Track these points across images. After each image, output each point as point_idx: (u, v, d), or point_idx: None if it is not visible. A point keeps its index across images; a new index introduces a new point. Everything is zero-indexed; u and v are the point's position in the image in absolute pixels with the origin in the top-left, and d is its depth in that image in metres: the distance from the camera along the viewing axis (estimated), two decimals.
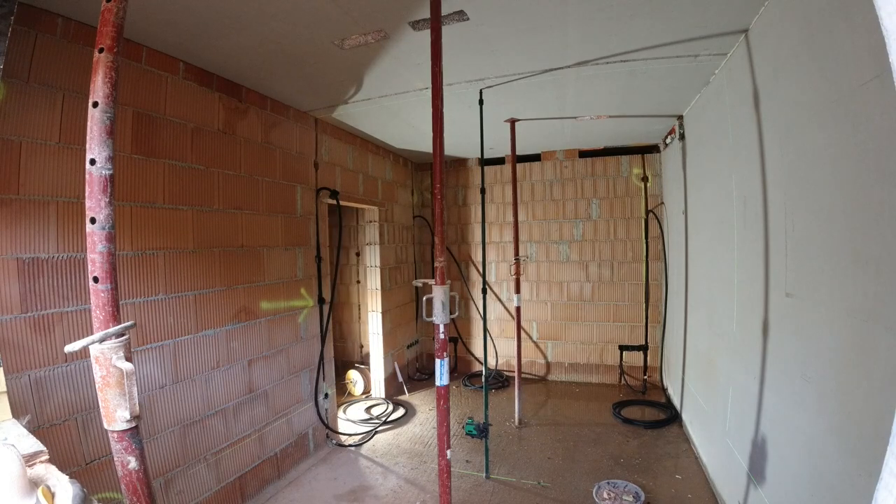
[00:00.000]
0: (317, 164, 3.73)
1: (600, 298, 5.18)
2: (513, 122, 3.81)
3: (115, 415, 0.88)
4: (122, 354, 0.89)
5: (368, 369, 4.94)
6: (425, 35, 2.19)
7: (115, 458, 0.92)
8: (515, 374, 4.01)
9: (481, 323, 5.59)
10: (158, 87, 2.39)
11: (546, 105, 3.55)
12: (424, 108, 3.44)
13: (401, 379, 5.03)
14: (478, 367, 5.62)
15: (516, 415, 4.02)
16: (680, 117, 3.87)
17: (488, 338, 5.53)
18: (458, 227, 5.79)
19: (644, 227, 4.98)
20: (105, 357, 0.87)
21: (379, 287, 4.81)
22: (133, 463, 0.91)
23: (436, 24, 1.81)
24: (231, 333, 2.80)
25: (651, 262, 4.96)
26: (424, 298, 1.97)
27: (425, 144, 4.75)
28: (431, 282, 1.93)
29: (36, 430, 1.75)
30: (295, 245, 3.43)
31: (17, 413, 1.70)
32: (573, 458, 3.40)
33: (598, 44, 2.47)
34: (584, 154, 5.20)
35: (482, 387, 3.46)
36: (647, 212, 4.95)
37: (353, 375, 4.92)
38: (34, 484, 0.97)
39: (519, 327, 4.02)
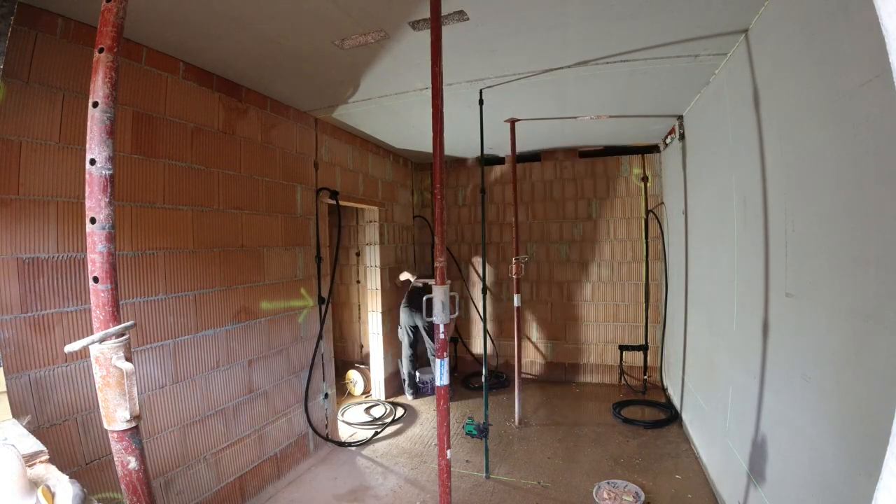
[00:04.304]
0: (317, 164, 3.73)
1: (600, 298, 5.18)
2: (513, 122, 3.81)
3: (115, 415, 0.88)
4: (122, 354, 0.89)
5: (368, 369, 4.94)
6: (425, 35, 2.19)
7: (115, 458, 0.92)
8: (515, 374, 4.01)
9: (481, 323, 5.58)
10: (158, 87, 2.39)
11: (546, 105, 3.55)
12: (424, 108, 3.43)
13: (403, 377, 5.03)
14: (478, 367, 5.62)
15: (516, 415, 4.02)
16: (680, 117, 3.87)
17: (488, 338, 5.53)
18: (458, 227, 5.79)
19: (644, 227, 4.98)
20: (105, 357, 0.87)
21: (379, 287, 4.81)
22: (133, 463, 0.91)
23: (436, 24, 1.81)
24: (231, 333, 2.80)
25: (651, 262, 4.96)
26: (424, 298, 1.97)
27: (425, 144, 4.75)
28: (431, 282, 1.93)
29: (36, 430, 1.75)
30: (295, 245, 3.43)
31: (17, 413, 1.70)
32: (573, 458, 3.40)
33: (598, 44, 2.47)
34: (584, 154, 5.20)
35: (482, 387, 3.47)
36: (647, 212, 4.95)
37: (353, 375, 4.92)
38: (34, 484, 0.97)
39: (519, 327, 4.02)
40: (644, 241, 4.97)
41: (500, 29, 2.27)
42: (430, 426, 4.07)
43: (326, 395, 3.74)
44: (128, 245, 2.21)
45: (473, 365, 5.67)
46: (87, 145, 0.89)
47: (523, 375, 5.19)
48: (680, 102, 3.51)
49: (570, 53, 2.58)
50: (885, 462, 0.54)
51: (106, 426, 0.89)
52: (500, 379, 5.22)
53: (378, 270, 4.81)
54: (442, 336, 1.90)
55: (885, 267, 1.24)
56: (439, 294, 1.88)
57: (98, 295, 0.89)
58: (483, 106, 3.21)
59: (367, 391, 4.88)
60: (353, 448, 3.68)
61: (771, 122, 2.03)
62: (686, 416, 3.75)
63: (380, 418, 4.19)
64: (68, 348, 0.85)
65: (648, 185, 4.94)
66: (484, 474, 3.18)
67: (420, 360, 5.13)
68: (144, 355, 2.27)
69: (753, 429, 2.17)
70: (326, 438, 3.67)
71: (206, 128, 2.67)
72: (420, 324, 4.66)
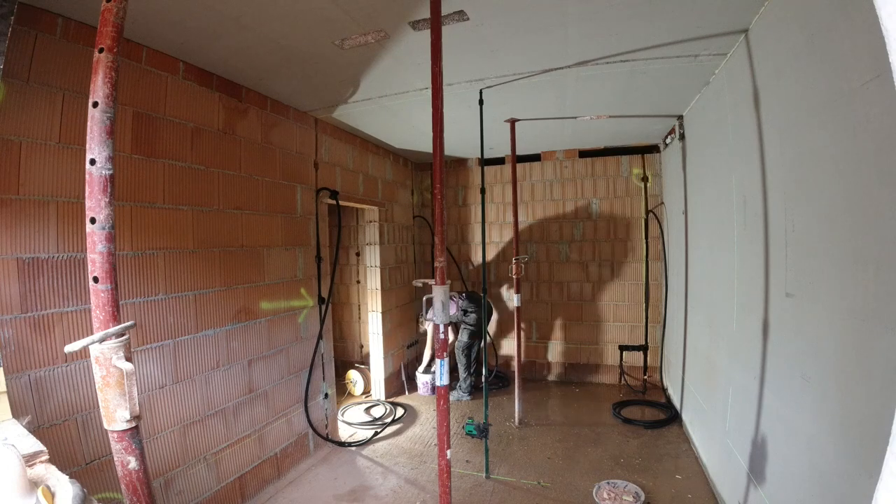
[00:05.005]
0: (317, 164, 3.73)
1: (600, 298, 5.18)
2: (513, 122, 3.81)
3: (115, 415, 0.88)
4: (122, 354, 0.89)
5: (368, 369, 4.94)
6: (425, 35, 2.19)
7: (115, 458, 0.92)
8: (515, 374, 4.01)
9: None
10: (158, 87, 2.39)
11: (546, 105, 3.55)
12: (424, 108, 3.44)
13: (403, 378, 5.03)
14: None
15: (516, 415, 4.02)
16: (680, 117, 3.87)
17: (488, 338, 5.52)
18: (458, 227, 5.79)
19: (644, 227, 4.98)
20: (105, 357, 0.87)
21: (379, 287, 4.80)
22: (133, 463, 0.91)
23: (436, 24, 1.81)
24: (231, 333, 2.80)
25: (651, 262, 4.96)
26: (424, 298, 1.97)
27: (425, 144, 4.75)
28: (431, 282, 1.93)
29: (36, 430, 1.75)
30: (295, 245, 3.43)
31: (17, 413, 1.70)
32: (573, 458, 3.40)
33: (598, 44, 2.47)
34: (584, 154, 5.20)
35: (482, 387, 3.48)
36: (647, 212, 4.95)
37: (353, 375, 4.92)
38: (34, 484, 0.97)
39: (519, 327, 4.02)
40: (644, 241, 4.97)
41: (500, 29, 2.27)
42: (430, 426, 4.07)
43: (326, 395, 3.74)
44: (128, 245, 2.21)
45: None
46: (87, 145, 0.89)
47: (523, 375, 5.19)
48: (680, 102, 3.51)
49: (570, 53, 2.58)
50: (885, 462, 0.54)
51: (106, 426, 0.89)
52: (500, 379, 5.22)
53: (378, 270, 4.81)
54: (442, 336, 1.90)
55: (885, 267, 1.24)
56: (439, 294, 1.89)
57: (98, 295, 0.89)
58: (483, 106, 3.21)
59: (367, 391, 4.88)
60: (353, 448, 3.68)
61: (771, 122, 2.03)
62: (686, 416, 3.75)
63: (380, 418, 4.19)
64: (68, 348, 0.85)
65: (648, 185, 4.94)
66: (484, 474, 3.18)
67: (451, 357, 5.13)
68: (144, 355, 2.27)
69: (753, 429, 2.17)
70: (326, 438, 3.67)
71: (206, 128, 2.67)
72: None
